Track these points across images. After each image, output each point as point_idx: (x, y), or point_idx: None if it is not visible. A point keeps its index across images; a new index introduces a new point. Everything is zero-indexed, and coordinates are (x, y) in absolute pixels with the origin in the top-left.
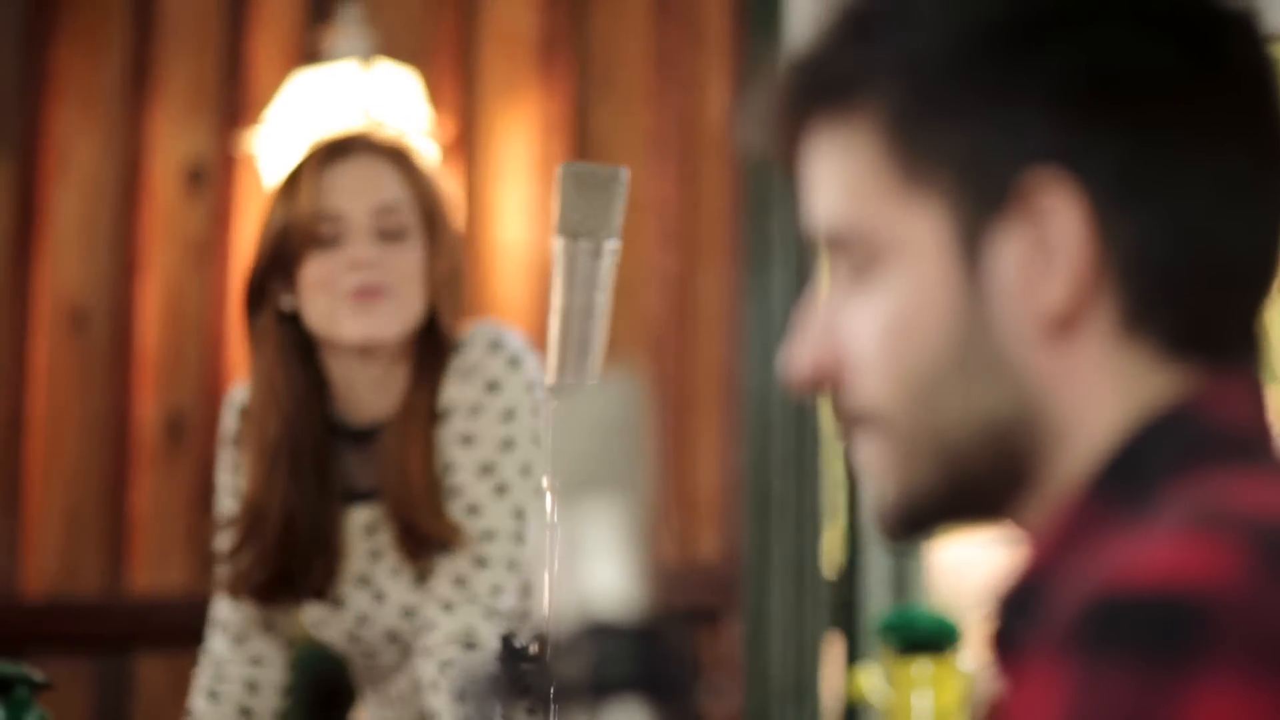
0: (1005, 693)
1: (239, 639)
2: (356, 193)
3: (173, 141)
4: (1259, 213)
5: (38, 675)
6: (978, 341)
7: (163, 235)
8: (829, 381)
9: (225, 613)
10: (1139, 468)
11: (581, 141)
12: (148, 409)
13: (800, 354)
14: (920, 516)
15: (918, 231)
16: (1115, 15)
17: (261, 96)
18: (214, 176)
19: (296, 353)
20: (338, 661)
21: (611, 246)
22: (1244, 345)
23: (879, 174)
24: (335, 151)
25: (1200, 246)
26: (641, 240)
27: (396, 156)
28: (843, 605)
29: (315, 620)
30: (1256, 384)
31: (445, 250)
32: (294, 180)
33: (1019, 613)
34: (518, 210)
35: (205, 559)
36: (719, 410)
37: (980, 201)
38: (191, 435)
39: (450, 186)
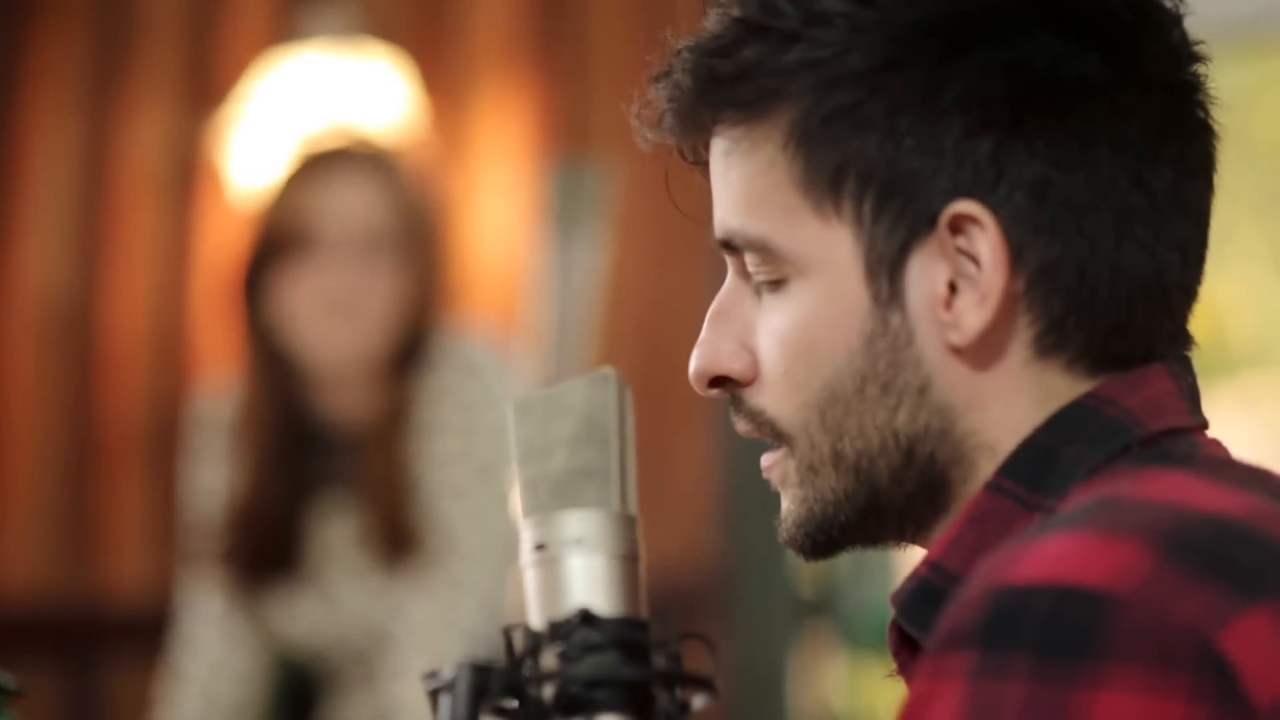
0: (906, 692)
1: (227, 635)
2: (337, 211)
3: (144, 131)
4: (1179, 226)
5: (9, 682)
6: (888, 362)
7: (132, 229)
8: (732, 384)
9: (213, 609)
10: (1042, 465)
11: (567, 121)
12: (114, 406)
13: (703, 356)
14: (829, 532)
15: (828, 250)
16: (1036, 27)
17: (237, 80)
18: (186, 168)
19: (283, 357)
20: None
21: None
22: (1168, 353)
23: (788, 188)
24: (320, 165)
25: (1118, 265)
26: (621, 238)
27: (380, 171)
28: (822, 601)
29: (291, 617)
30: (1174, 380)
31: (424, 268)
32: (280, 191)
33: (916, 610)
34: (500, 190)
35: (171, 559)
36: (695, 409)
37: (896, 226)
38: (160, 434)
39: (432, 194)
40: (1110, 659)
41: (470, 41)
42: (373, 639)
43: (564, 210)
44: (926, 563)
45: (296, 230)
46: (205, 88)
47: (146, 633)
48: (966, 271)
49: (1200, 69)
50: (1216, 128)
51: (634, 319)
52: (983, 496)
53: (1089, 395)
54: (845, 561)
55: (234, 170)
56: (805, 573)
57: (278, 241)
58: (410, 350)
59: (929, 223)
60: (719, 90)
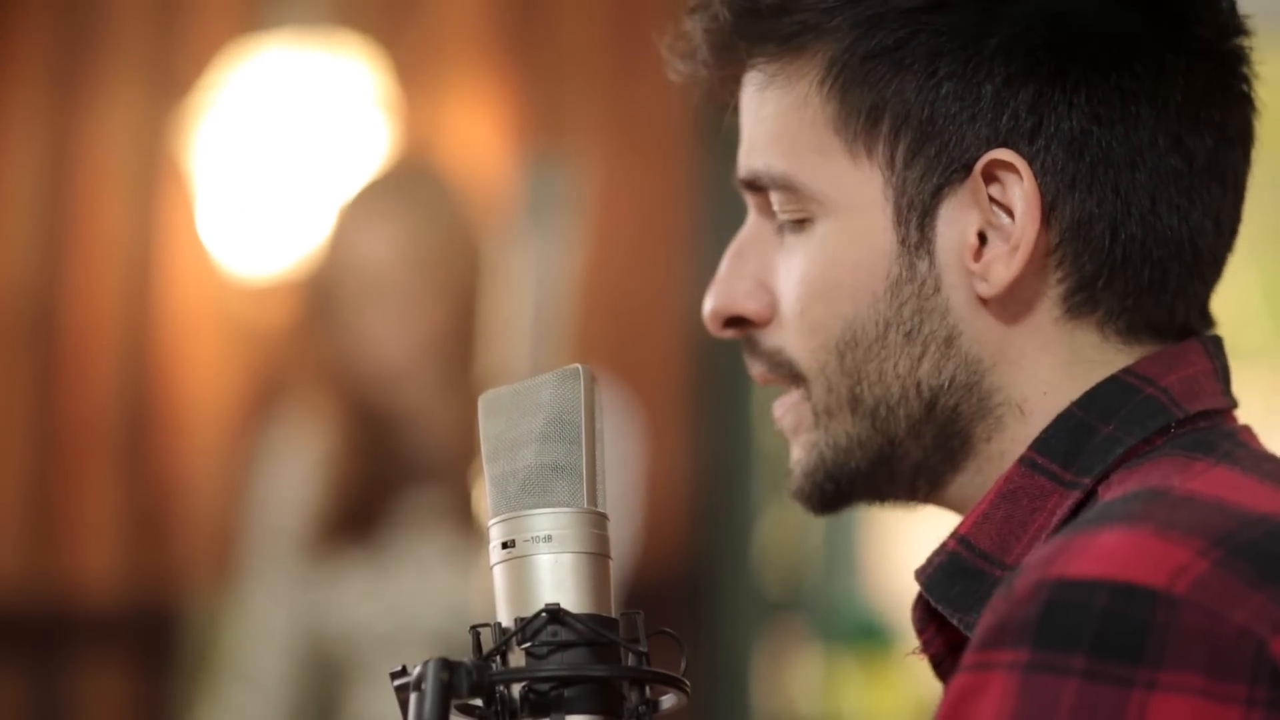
0: (951, 680)
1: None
2: (358, 250)
3: (110, 124)
4: (1215, 194)
5: None
6: (914, 309)
7: (98, 223)
8: (748, 325)
9: (272, 633)
10: (1077, 442)
11: (540, 115)
12: (81, 401)
13: (719, 295)
14: (838, 481)
15: (857, 192)
16: None
17: (204, 73)
18: (152, 161)
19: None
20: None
21: None
22: (1199, 327)
23: (821, 126)
24: (356, 206)
25: (1152, 225)
26: (594, 232)
27: (407, 209)
28: (792, 599)
29: (358, 601)
30: (1210, 360)
31: (438, 307)
32: (328, 240)
33: (944, 586)
34: (472, 184)
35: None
36: (667, 406)
37: (930, 171)
38: (127, 429)
39: (469, 211)
40: (1167, 662)
41: (442, 33)
42: (428, 621)
43: (537, 204)
44: (955, 537)
45: (340, 270)
46: (172, 80)
47: (114, 631)
48: (998, 222)
49: (1245, 42)
50: (1258, 103)
51: (607, 314)
52: (1015, 471)
53: (1126, 371)
54: (815, 559)
55: (200, 164)
56: (775, 571)
57: (330, 279)
58: (467, 356)
59: (964, 169)
60: (758, 23)
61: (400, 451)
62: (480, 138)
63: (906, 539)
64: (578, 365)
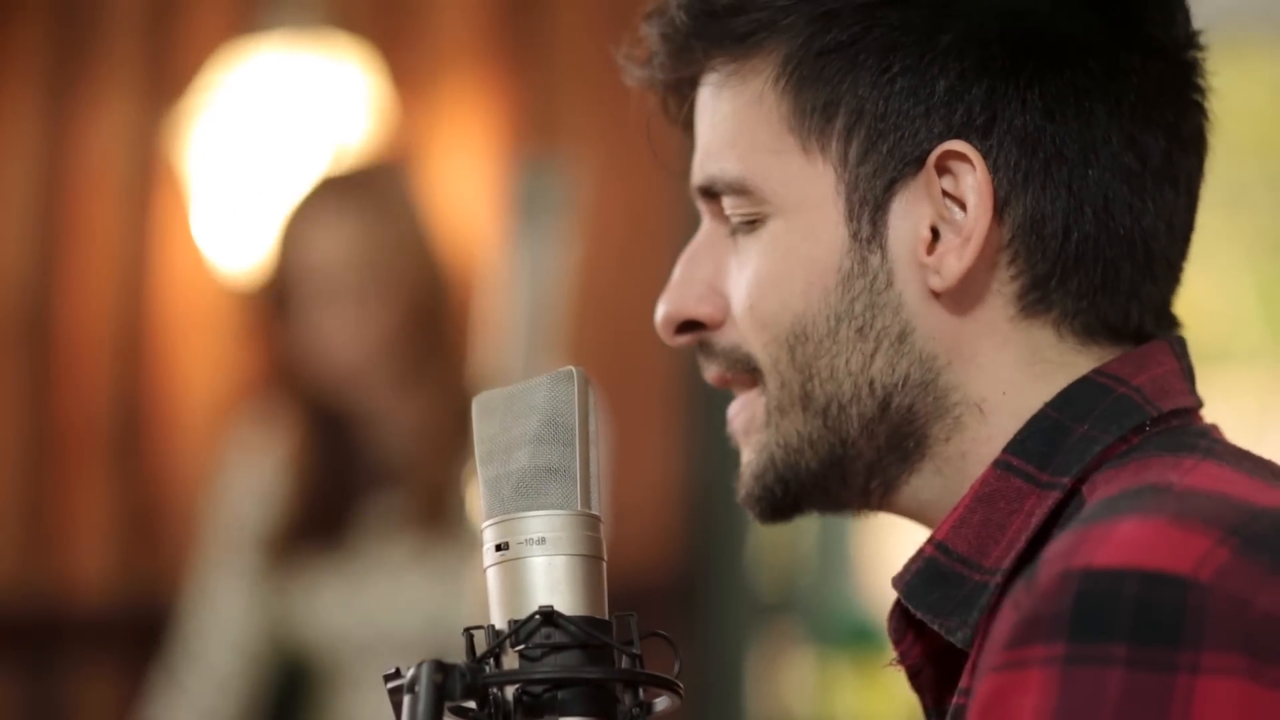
0: (982, 684)
1: (236, 650)
2: (308, 252)
3: (104, 126)
4: (1168, 196)
5: None
6: (865, 304)
7: (91, 225)
8: (701, 330)
9: (224, 622)
10: (1052, 442)
11: (534, 116)
12: (74, 403)
13: (671, 301)
14: (787, 484)
15: (810, 189)
16: None
17: (198, 74)
18: (146, 163)
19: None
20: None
21: None
22: (1155, 329)
23: (775, 124)
24: (305, 208)
25: (1104, 224)
26: (587, 234)
27: (357, 209)
28: (786, 601)
29: (324, 605)
30: (1177, 360)
31: (392, 307)
32: (279, 239)
33: (923, 592)
34: (465, 185)
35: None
36: (661, 408)
37: (884, 166)
38: (120, 431)
39: (425, 209)
40: (1207, 644)
41: (435, 35)
42: (400, 632)
43: (530, 205)
44: (931, 542)
45: (294, 269)
46: (165, 82)
47: (106, 633)
48: (951, 216)
49: (1199, 55)
50: (1210, 113)
51: (600, 316)
52: (990, 474)
53: (1097, 372)
54: (809, 561)
55: (194, 167)
56: (769, 572)
57: (284, 279)
58: (425, 358)
59: (916, 163)
60: (714, 23)
61: (361, 453)
62: (474, 140)
63: (900, 541)
64: (571, 368)
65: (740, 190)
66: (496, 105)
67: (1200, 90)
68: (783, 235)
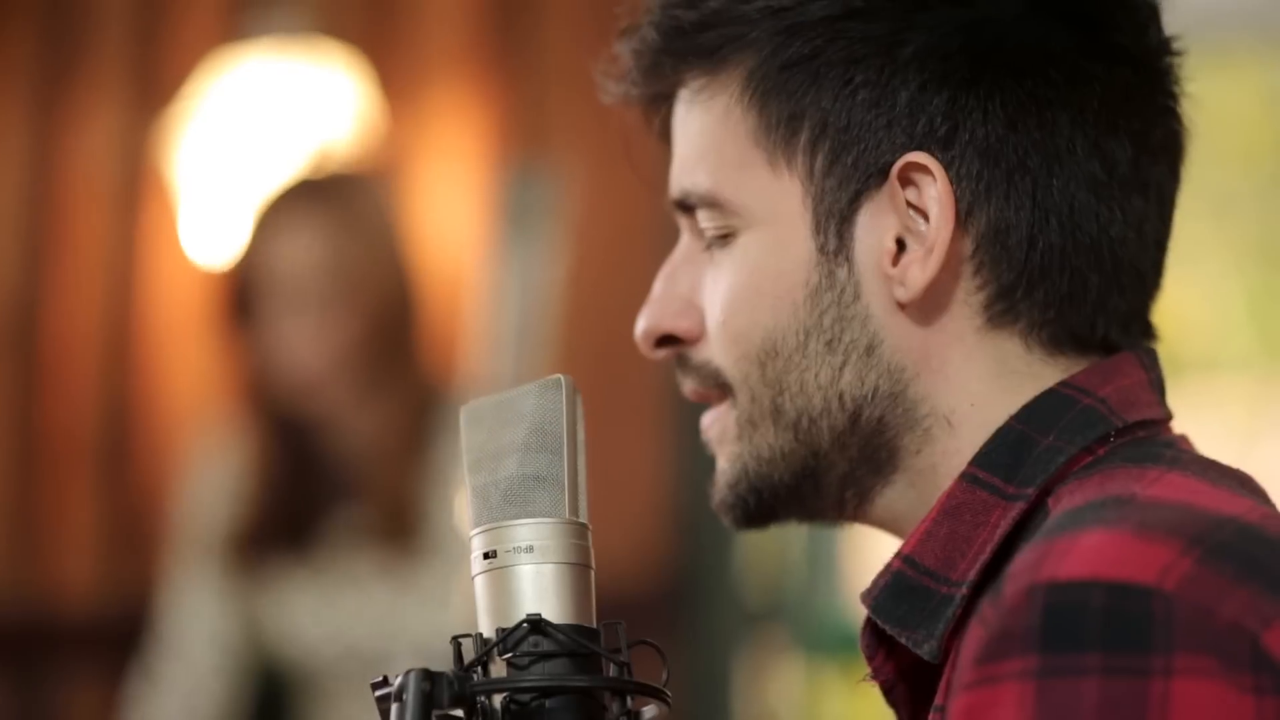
0: (956, 701)
1: (214, 643)
2: (277, 258)
3: (92, 134)
4: (1137, 204)
5: None
6: (834, 317)
7: (79, 233)
8: (678, 344)
9: (200, 616)
10: (1017, 454)
11: (522, 125)
12: (63, 411)
13: (650, 316)
14: (760, 494)
15: (777, 202)
16: None
17: (186, 82)
18: (134, 171)
19: (276, 385)
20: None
21: None
22: (1122, 340)
23: (742, 138)
24: (272, 212)
25: (1070, 234)
26: (576, 241)
27: (325, 217)
28: (774, 609)
29: (291, 615)
30: (1145, 371)
31: (357, 316)
32: (245, 243)
33: (891, 606)
34: (454, 193)
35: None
36: (649, 416)
37: (848, 178)
38: (109, 439)
39: (394, 218)
40: (1178, 647)
41: (424, 43)
42: (367, 644)
43: (519, 214)
44: (899, 556)
45: (258, 277)
46: (153, 90)
47: (96, 640)
48: (915, 227)
49: (1172, 61)
50: (1185, 119)
51: (588, 324)
52: (956, 487)
53: (1063, 384)
54: (798, 569)
55: (183, 174)
56: (757, 581)
57: (247, 287)
58: (387, 369)
59: (880, 175)
60: (682, 39)
61: (324, 463)
62: (462, 148)
63: (887, 549)
64: (559, 375)
65: (712, 204)
66: (484, 113)
67: (1172, 97)
68: (753, 249)
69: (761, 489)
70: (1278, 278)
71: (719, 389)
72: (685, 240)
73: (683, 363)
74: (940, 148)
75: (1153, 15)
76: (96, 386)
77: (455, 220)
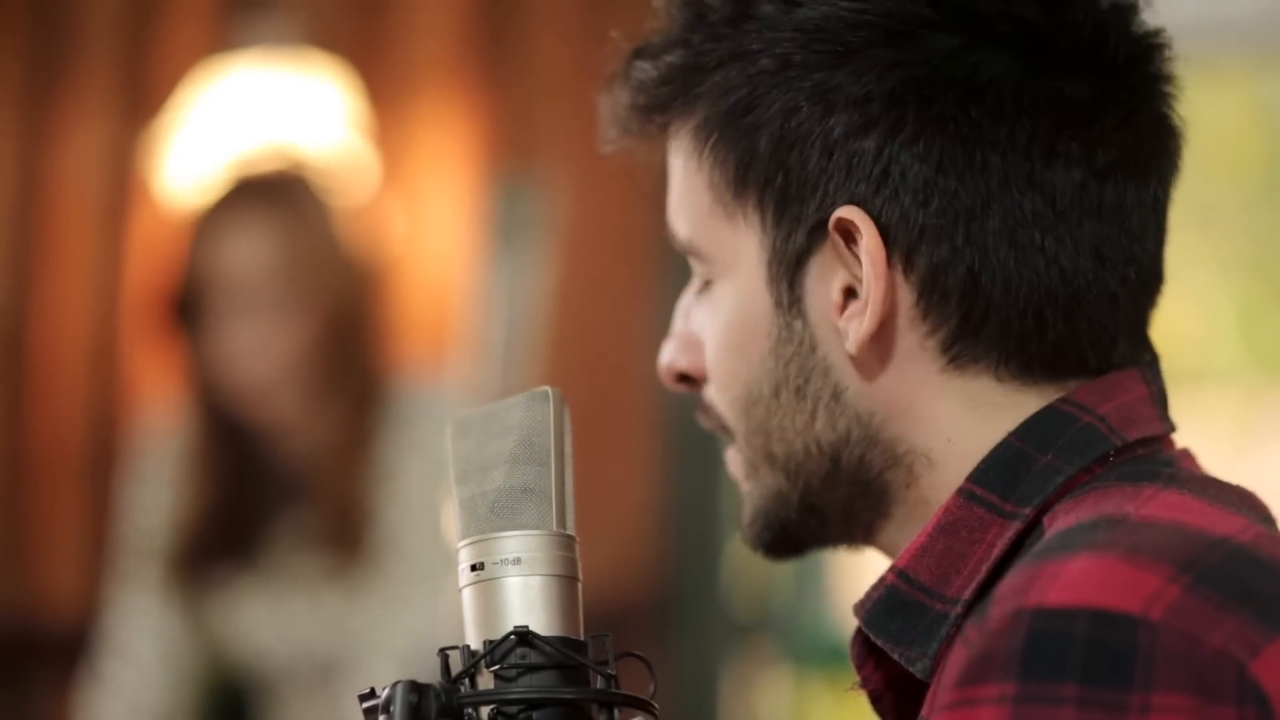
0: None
1: (161, 645)
2: (223, 259)
3: (79, 145)
4: (1089, 229)
5: None
6: (797, 368)
7: (66, 244)
8: (690, 382)
9: (147, 619)
10: (1015, 471)
11: (511, 135)
12: (49, 423)
13: (664, 353)
14: (780, 531)
15: (738, 253)
16: (931, 27)
17: (173, 92)
18: (121, 182)
19: (220, 386)
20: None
21: None
22: (1125, 358)
23: (704, 189)
24: (221, 208)
25: (1015, 272)
26: (564, 253)
27: (277, 212)
28: (761, 621)
29: (238, 622)
30: (1146, 386)
31: (336, 297)
32: (191, 236)
33: (883, 620)
34: (442, 204)
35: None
36: (637, 428)
37: (794, 230)
38: (95, 451)
39: (350, 218)
40: (1158, 684)
41: (412, 53)
42: (320, 648)
43: (507, 224)
44: (893, 570)
45: (202, 278)
46: (140, 100)
47: (82, 651)
48: (860, 281)
49: (1147, 60)
50: (1163, 121)
51: (577, 335)
52: (953, 503)
53: (1063, 400)
54: (785, 581)
55: (170, 184)
56: (744, 593)
57: (191, 288)
58: (339, 375)
59: (822, 227)
60: (645, 93)
61: (270, 467)
62: (450, 158)
63: (875, 562)
64: (547, 388)
65: (690, 251)
66: (472, 124)
67: (1143, 101)
68: (725, 299)
69: (774, 526)
70: (1267, 290)
71: (724, 429)
72: (694, 278)
73: (699, 399)
74: (873, 196)
75: (1117, 15)
76: (84, 399)
77: (442, 231)
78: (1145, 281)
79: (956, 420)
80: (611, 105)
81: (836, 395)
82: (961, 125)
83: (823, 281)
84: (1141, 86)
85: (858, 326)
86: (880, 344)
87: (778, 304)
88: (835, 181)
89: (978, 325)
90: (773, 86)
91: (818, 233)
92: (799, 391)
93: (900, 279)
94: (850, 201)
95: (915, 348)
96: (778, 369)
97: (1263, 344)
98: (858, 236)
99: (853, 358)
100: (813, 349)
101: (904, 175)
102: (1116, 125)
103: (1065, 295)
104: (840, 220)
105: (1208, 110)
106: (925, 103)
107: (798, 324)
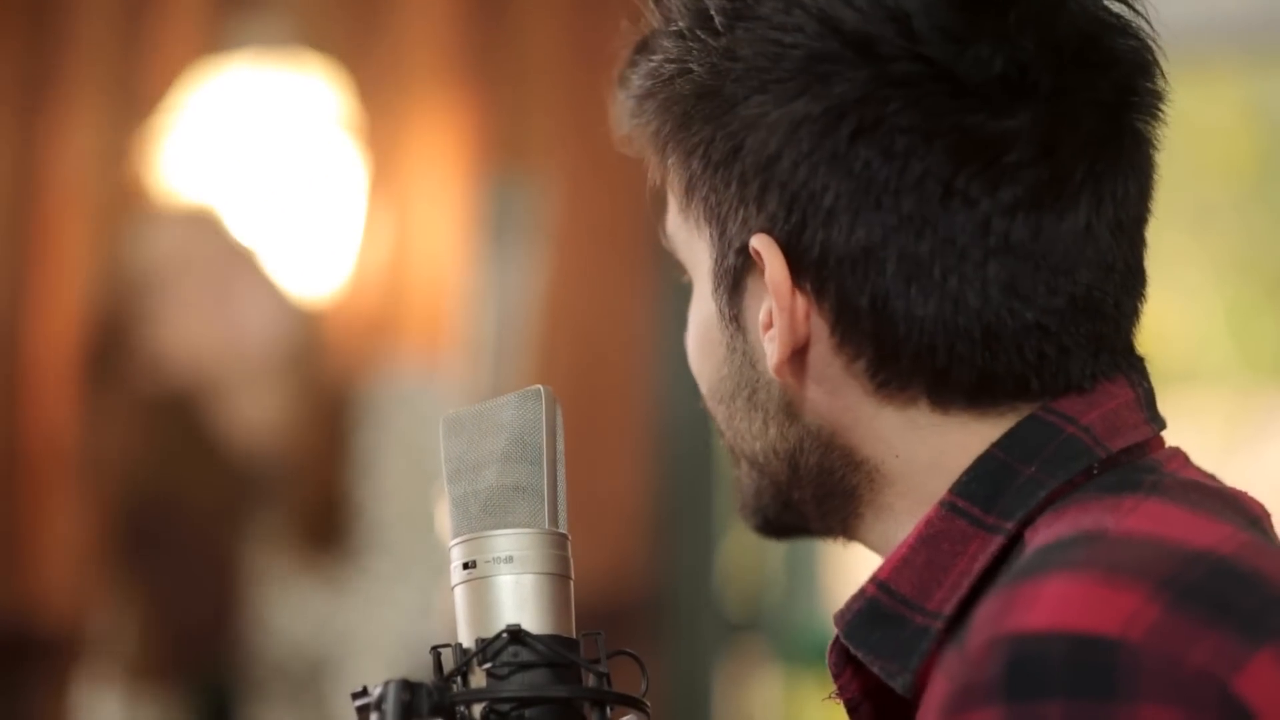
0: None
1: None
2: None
3: (73, 145)
4: (994, 267)
5: None
6: (746, 378)
7: (61, 244)
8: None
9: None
10: (997, 484)
11: (503, 136)
12: (44, 423)
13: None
14: (766, 519)
15: (700, 261)
16: (843, 63)
17: (168, 92)
18: (116, 181)
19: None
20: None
21: None
22: (1040, 389)
23: (671, 190)
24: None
25: (920, 307)
26: (557, 253)
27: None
28: (753, 619)
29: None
30: (1132, 389)
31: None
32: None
33: (863, 632)
34: (435, 204)
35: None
36: (629, 427)
37: (728, 250)
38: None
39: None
40: (1142, 699)
41: (405, 54)
42: (304, 645)
43: (498, 224)
44: (874, 581)
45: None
46: (135, 101)
47: (74, 652)
48: (774, 307)
49: (1079, 92)
50: (1103, 141)
51: (569, 334)
52: (935, 514)
53: (1047, 410)
54: (776, 580)
55: (165, 184)
56: (736, 591)
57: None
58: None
59: (746, 249)
60: (625, 105)
61: (232, 459)
62: (443, 158)
63: (867, 561)
64: (539, 386)
65: (670, 250)
66: (465, 124)
67: (1044, 147)
68: (696, 300)
69: (759, 514)
70: (1257, 290)
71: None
72: None
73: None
74: (784, 224)
75: (1047, 47)
76: (78, 400)
77: (435, 231)
78: (1085, 308)
79: (901, 436)
80: (617, 99)
81: (782, 407)
82: (854, 164)
83: (755, 299)
84: (1069, 114)
85: (771, 350)
86: (810, 366)
87: (721, 315)
88: (749, 211)
89: (892, 356)
90: (706, 108)
91: (745, 253)
92: (750, 400)
93: (814, 306)
94: (765, 227)
95: (842, 371)
96: (731, 375)
97: (1253, 344)
98: (769, 266)
99: (780, 378)
100: (753, 364)
101: (811, 206)
102: (1032, 160)
103: (979, 329)
104: (752, 247)
105: (1199, 110)
106: (824, 138)
107: (739, 338)
